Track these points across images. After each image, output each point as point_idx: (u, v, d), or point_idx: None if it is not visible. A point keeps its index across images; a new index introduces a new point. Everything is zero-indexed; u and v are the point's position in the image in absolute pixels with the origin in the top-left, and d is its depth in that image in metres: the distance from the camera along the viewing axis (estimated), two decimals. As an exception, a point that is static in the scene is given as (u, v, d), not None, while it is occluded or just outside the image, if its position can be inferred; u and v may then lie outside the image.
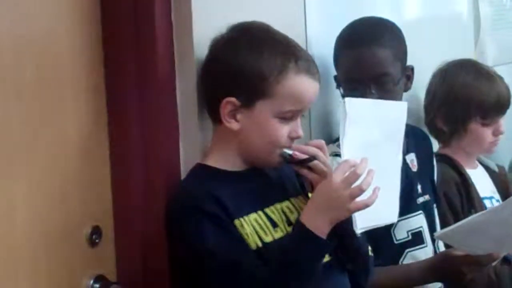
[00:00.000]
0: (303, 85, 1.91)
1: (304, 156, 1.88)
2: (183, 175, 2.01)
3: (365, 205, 1.75)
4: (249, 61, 1.89)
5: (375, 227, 1.94)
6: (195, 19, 2.00)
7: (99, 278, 1.95)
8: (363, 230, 1.90)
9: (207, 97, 1.97)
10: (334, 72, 2.41)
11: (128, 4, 1.97)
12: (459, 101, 2.77)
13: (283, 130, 1.90)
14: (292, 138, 1.91)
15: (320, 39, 2.44)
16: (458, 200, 2.68)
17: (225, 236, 1.84)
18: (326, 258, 1.94)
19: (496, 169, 2.96)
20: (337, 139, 2.38)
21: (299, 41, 2.32)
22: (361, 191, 1.74)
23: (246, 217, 1.88)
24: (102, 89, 1.98)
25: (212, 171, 1.94)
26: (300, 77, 1.90)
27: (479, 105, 2.75)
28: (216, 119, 1.94)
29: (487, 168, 2.92)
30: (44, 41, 1.86)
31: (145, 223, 1.99)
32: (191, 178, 1.96)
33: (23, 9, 1.80)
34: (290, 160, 1.90)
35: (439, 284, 2.44)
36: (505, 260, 2.66)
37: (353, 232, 1.92)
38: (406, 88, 2.44)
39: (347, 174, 1.77)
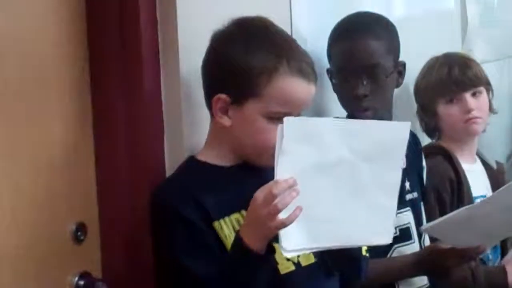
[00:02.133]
0: (293, 87, 1.88)
1: None
2: (168, 173, 2.02)
3: (283, 224, 1.69)
4: (241, 59, 1.87)
5: (343, 246, 1.85)
6: (180, 15, 2.00)
7: (84, 275, 1.94)
8: (292, 253, 1.80)
9: (204, 89, 1.96)
10: (322, 66, 2.42)
11: (113, 3, 1.97)
12: (423, 87, 2.84)
13: (272, 132, 1.81)
14: None
15: (305, 34, 2.45)
16: (448, 197, 2.69)
17: (192, 245, 1.84)
18: (310, 261, 1.93)
19: (494, 165, 2.96)
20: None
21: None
22: (277, 210, 1.67)
23: (227, 218, 1.87)
24: (87, 88, 1.98)
25: (201, 166, 1.94)
26: (291, 78, 1.88)
27: (434, 84, 2.79)
28: (211, 112, 1.94)
29: (485, 164, 2.92)
30: (29, 40, 1.85)
31: (130, 220, 1.99)
32: (178, 173, 1.96)
33: (7, 8, 1.80)
34: None
35: (425, 281, 2.44)
36: (481, 261, 2.68)
37: None
38: (398, 84, 2.46)
39: (266, 192, 1.70)
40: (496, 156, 3.11)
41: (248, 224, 1.75)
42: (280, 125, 1.70)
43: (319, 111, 2.51)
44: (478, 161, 2.90)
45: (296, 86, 1.88)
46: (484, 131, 2.89)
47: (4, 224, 1.79)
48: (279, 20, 2.18)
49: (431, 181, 2.65)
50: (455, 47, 3.23)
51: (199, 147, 2.02)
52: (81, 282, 1.93)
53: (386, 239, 1.88)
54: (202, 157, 1.96)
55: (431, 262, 2.32)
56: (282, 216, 1.68)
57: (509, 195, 2.25)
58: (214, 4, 2.10)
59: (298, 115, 1.90)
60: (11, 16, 1.80)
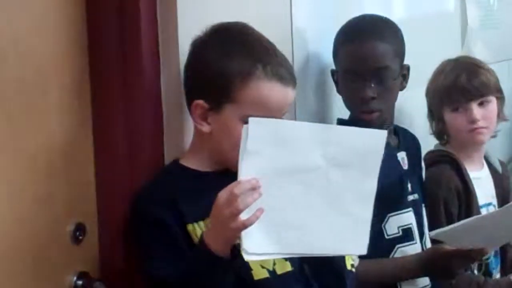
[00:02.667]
0: (268, 90, 1.86)
1: None
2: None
3: (243, 225, 1.67)
4: (217, 64, 1.87)
5: (311, 255, 1.83)
6: (180, 16, 2.00)
7: (82, 275, 1.94)
8: (252, 258, 1.75)
9: (185, 97, 1.96)
10: (321, 67, 2.42)
11: (113, 3, 1.97)
12: (431, 93, 2.81)
13: None
14: None
15: (306, 35, 2.45)
16: (456, 209, 2.67)
17: (164, 246, 1.84)
18: (286, 269, 1.92)
19: (499, 169, 2.94)
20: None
21: (285, 37, 2.34)
22: (237, 210, 1.66)
23: (201, 222, 1.86)
24: (86, 88, 1.98)
25: (182, 170, 1.95)
26: (266, 82, 1.86)
27: (440, 91, 2.77)
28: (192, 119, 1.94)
29: (491, 168, 2.89)
30: (28, 40, 1.85)
31: (129, 220, 1.97)
32: (158, 176, 1.96)
33: (6, 9, 1.79)
34: None
35: (428, 282, 2.44)
36: (488, 273, 2.68)
37: None
38: (402, 87, 2.47)
39: (228, 192, 1.69)
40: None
41: (212, 226, 1.73)
42: (245, 125, 1.67)
43: (321, 112, 2.51)
44: (486, 167, 2.88)
45: (271, 90, 1.86)
46: (494, 136, 2.88)
47: (2, 224, 1.79)
48: (280, 21, 2.19)
49: (439, 192, 2.65)
50: (455, 49, 3.23)
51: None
52: (80, 282, 1.93)
53: (360, 250, 1.83)
54: (184, 162, 1.96)
55: (435, 263, 2.32)
56: (243, 217, 1.66)
57: None
58: (214, 5, 2.10)
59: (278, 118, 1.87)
60: (11, 17, 1.80)
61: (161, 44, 2.01)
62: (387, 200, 2.35)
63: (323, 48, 2.50)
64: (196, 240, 1.84)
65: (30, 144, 1.85)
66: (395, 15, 2.90)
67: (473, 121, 2.72)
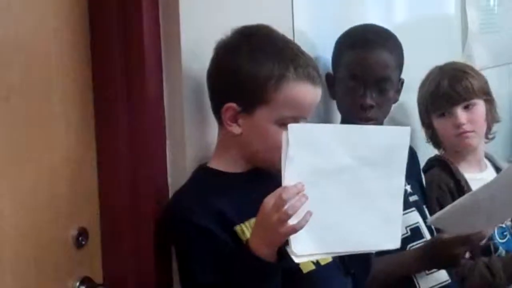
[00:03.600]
0: (301, 92, 1.91)
1: None
2: (169, 179, 2.02)
3: (293, 229, 1.70)
4: (248, 68, 1.89)
5: (353, 252, 1.89)
6: (183, 21, 2.00)
7: (85, 280, 1.95)
8: (302, 258, 1.80)
9: (211, 98, 1.98)
10: (323, 71, 2.43)
11: (116, 9, 1.97)
12: (418, 101, 2.83)
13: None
14: None
15: (307, 40, 2.45)
16: None
17: (211, 255, 1.84)
18: (327, 260, 1.95)
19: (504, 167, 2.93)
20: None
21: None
22: (287, 215, 1.69)
23: (247, 222, 1.88)
24: (90, 91, 1.99)
25: (214, 174, 1.96)
26: (298, 84, 1.90)
27: (425, 98, 2.78)
28: (220, 121, 1.96)
29: (498, 170, 2.88)
30: (31, 45, 1.85)
31: (132, 225, 1.99)
32: (191, 183, 1.97)
33: (9, 10, 1.80)
34: None
35: (446, 277, 2.45)
36: (495, 249, 2.68)
37: None
38: (395, 100, 2.50)
39: (276, 198, 1.72)
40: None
41: (257, 232, 1.76)
42: (284, 132, 1.73)
43: (323, 115, 2.52)
44: (489, 168, 2.88)
45: (304, 91, 1.91)
46: (493, 138, 2.88)
47: (5, 229, 1.79)
48: (282, 27, 2.19)
49: (433, 195, 2.67)
50: (455, 53, 3.24)
51: (201, 153, 2.03)
52: (82, 287, 1.93)
53: (394, 244, 1.90)
54: (213, 165, 1.98)
55: (437, 252, 2.32)
56: (291, 222, 1.70)
57: (510, 177, 2.28)
58: (217, 11, 2.11)
59: (307, 118, 1.94)
60: (14, 19, 1.81)
61: (163, 49, 2.01)
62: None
63: (325, 52, 2.50)
64: (244, 240, 1.85)
65: (33, 150, 1.85)
66: (396, 19, 2.92)
67: (458, 125, 2.73)
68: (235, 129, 1.92)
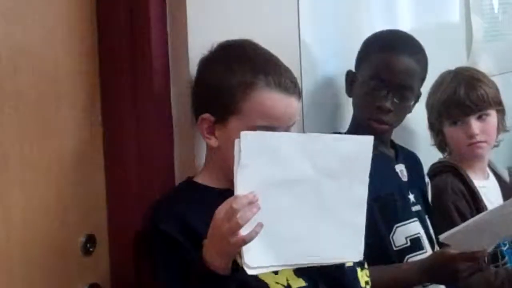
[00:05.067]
0: (272, 100, 1.87)
1: None
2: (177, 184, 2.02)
3: (243, 240, 1.66)
4: (219, 77, 1.89)
5: (312, 264, 1.84)
6: (190, 26, 2.01)
7: (93, 287, 1.96)
8: (254, 271, 1.74)
9: (193, 113, 1.98)
10: (328, 79, 2.44)
11: (124, 15, 1.99)
12: (430, 106, 2.80)
13: None
14: None
15: (313, 48, 2.46)
16: (468, 212, 2.66)
17: (176, 264, 1.83)
18: (301, 284, 1.92)
19: (507, 178, 2.93)
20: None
21: (293, 49, 2.35)
22: (238, 225, 1.64)
23: None
24: (97, 99, 2.00)
25: (195, 187, 1.95)
26: (269, 93, 1.87)
27: (438, 105, 2.76)
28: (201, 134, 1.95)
29: (498, 177, 2.88)
30: (40, 54, 1.87)
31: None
32: (170, 193, 1.96)
33: (19, 19, 1.81)
34: None
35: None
36: (502, 256, 2.68)
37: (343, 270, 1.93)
38: (409, 110, 2.50)
39: (227, 207, 1.68)
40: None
41: (210, 242, 1.72)
42: (236, 140, 1.67)
43: (329, 123, 2.52)
44: (491, 176, 2.87)
45: (274, 100, 1.88)
46: (496, 146, 2.87)
47: (14, 236, 1.80)
48: (288, 38, 2.21)
49: (447, 198, 2.65)
50: (460, 61, 3.24)
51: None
52: (90, 294, 1.94)
53: (356, 256, 1.85)
54: (198, 179, 1.97)
55: (441, 267, 2.31)
56: (243, 232, 1.66)
57: None
58: (223, 16, 2.11)
59: (287, 129, 1.89)
60: (23, 27, 1.82)
61: (171, 53, 2.03)
62: (392, 210, 2.37)
63: (330, 60, 2.51)
64: None
65: (41, 156, 1.86)
66: (401, 27, 2.91)
67: (471, 135, 2.71)
68: (213, 142, 1.90)
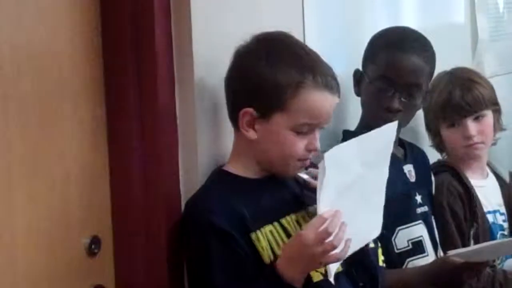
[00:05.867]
0: (319, 100, 1.91)
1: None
2: (182, 187, 2.02)
3: (337, 259, 1.77)
4: (267, 74, 1.90)
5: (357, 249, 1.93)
6: (195, 29, 2.01)
7: (97, 288, 1.95)
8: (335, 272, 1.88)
9: (228, 103, 1.98)
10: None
11: (128, 18, 1.98)
12: (426, 109, 2.78)
13: (299, 143, 1.91)
14: (309, 150, 1.92)
15: (318, 50, 2.44)
16: (461, 212, 2.68)
17: (229, 259, 1.85)
18: (337, 270, 1.94)
19: (507, 178, 2.94)
20: (343, 139, 2.42)
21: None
22: (333, 247, 1.74)
23: (262, 229, 1.89)
24: (102, 102, 1.99)
25: (231, 178, 1.96)
26: (316, 92, 1.90)
27: (435, 107, 2.75)
28: (236, 125, 1.96)
29: (498, 177, 2.89)
30: (44, 56, 1.86)
31: (144, 233, 1.99)
32: (211, 184, 1.97)
33: (22, 21, 1.81)
34: (303, 185, 1.93)
35: None
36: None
37: (367, 251, 1.99)
38: (419, 107, 2.50)
39: (320, 230, 1.75)
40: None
41: (292, 261, 1.78)
42: (321, 162, 1.75)
43: (333, 121, 2.51)
44: (491, 175, 2.87)
45: (322, 99, 1.91)
46: (494, 144, 2.87)
47: (19, 237, 1.80)
48: (292, 30, 2.19)
49: (443, 198, 2.66)
50: (465, 61, 3.23)
51: (213, 160, 2.03)
52: (95, 295, 1.94)
53: (377, 232, 1.98)
54: (230, 169, 1.98)
55: (444, 274, 2.31)
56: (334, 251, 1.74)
57: None
58: (228, 19, 2.11)
59: (322, 127, 1.95)
60: (26, 29, 1.82)
61: (175, 57, 2.02)
62: (395, 213, 2.35)
63: (335, 59, 2.50)
64: (259, 248, 1.87)
65: (45, 157, 1.86)
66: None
67: (468, 137, 2.72)
68: (251, 134, 1.92)
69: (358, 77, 2.46)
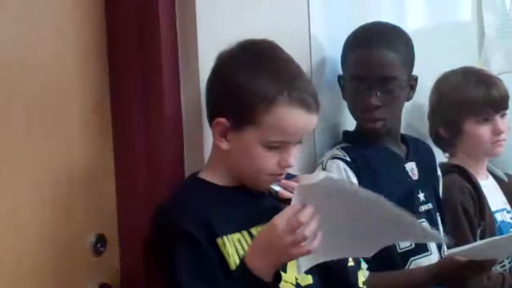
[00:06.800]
0: (292, 118, 1.86)
1: (290, 196, 1.80)
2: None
3: (308, 251, 1.71)
4: (243, 86, 1.86)
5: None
6: (200, 30, 2.01)
7: (103, 287, 1.96)
8: (305, 269, 1.85)
9: (206, 109, 1.96)
10: (337, 74, 2.44)
11: (133, 17, 1.99)
12: (450, 103, 2.78)
13: (271, 159, 1.86)
14: (282, 167, 1.88)
15: (323, 43, 2.45)
16: (472, 210, 2.68)
17: (195, 261, 1.82)
18: (308, 282, 1.93)
19: (505, 178, 2.95)
20: (338, 143, 2.42)
21: (303, 49, 2.35)
22: (304, 238, 1.69)
23: (229, 236, 1.86)
24: (107, 100, 2.00)
25: (204, 184, 1.93)
26: (290, 109, 1.85)
27: (467, 102, 2.75)
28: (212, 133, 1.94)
29: (496, 178, 2.91)
30: (50, 53, 1.87)
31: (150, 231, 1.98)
32: (181, 190, 1.95)
33: (28, 22, 1.82)
34: (275, 197, 1.88)
35: None
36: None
37: (347, 271, 1.97)
38: (409, 98, 2.46)
39: (291, 219, 1.71)
40: (508, 169, 3.09)
41: (262, 252, 1.74)
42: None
43: (337, 118, 2.52)
44: (490, 177, 2.89)
45: (295, 117, 1.86)
46: None
47: (24, 236, 1.81)
48: (298, 33, 2.20)
49: (454, 197, 2.65)
50: (472, 59, 3.23)
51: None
52: (101, 294, 1.95)
53: (366, 255, 1.95)
54: (204, 176, 1.95)
55: (449, 273, 2.30)
56: (305, 243, 1.70)
57: None
58: (234, 19, 2.11)
59: (298, 142, 1.90)
60: (32, 30, 1.82)
61: (181, 58, 2.02)
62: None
63: (340, 56, 2.50)
64: (225, 254, 1.84)
65: (51, 155, 1.87)
66: (412, 25, 2.91)
67: (499, 132, 2.75)
68: (224, 145, 1.89)
69: (340, 82, 2.45)
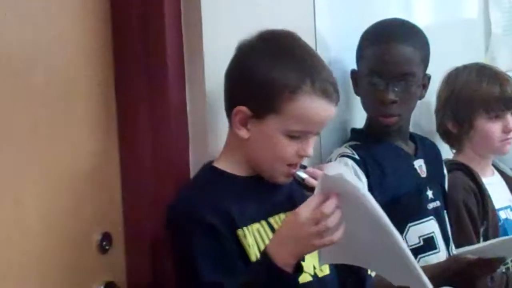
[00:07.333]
0: (315, 107, 1.86)
1: (315, 184, 1.78)
2: (192, 182, 2.01)
3: (331, 241, 1.70)
4: (265, 75, 1.86)
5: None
6: (205, 25, 2.01)
7: (109, 285, 1.96)
8: (326, 263, 1.88)
9: (225, 99, 1.95)
10: (343, 72, 2.44)
11: (138, 14, 1.98)
12: (461, 98, 2.78)
13: (291, 148, 1.86)
14: (300, 156, 1.88)
15: (329, 46, 2.45)
16: (476, 210, 2.68)
17: (217, 252, 1.82)
18: (325, 272, 1.94)
19: (511, 174, 2.95)
20: (346, 141, 2.42)
21: (308, 43, 2.34)
22: (327, 229, 1.68)
23: (249, 227, 1.86)
24: (112, 95, 2.00)
25: (220, 174, 1.93)
26: (313, 99, 1.85)
27: (481, 99, 2.75)
28: (230, 122, 1.93)
29: (502, 174, 2.90)
30: (55, 50, 1.87)
31: (155, 230, 1.98)
32: (199, 180, 1.95)
33: (31, 16, 1.82)
34: (302, 184, 1.88)
35: None
36: None
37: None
38: (420, 96, 2.46)
39: (315, 211, 1.70)
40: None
41: (284, 242, 1.73)
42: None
43: (343, 116, 2.51)
44: (496, 173, 2.89)
45: (317, 107, 1.86)
46: None
47: (30, 234, 1.81)
48: (304, 28, 2.19)
49: (458, 196, 2.65)
50: (478, 56, 3.22)
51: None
52: (106, 292, 1.94)
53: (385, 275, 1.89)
54: (219, 165, 1.95)
55: (458, 271, 2.30)
56: (328, 234, 1.70)
57: None
58: (239, 15, 2.11)
59: (317, 133, 1.91)
60: (36, 24, 1.82)
61: (186, 53, 2.02)
62: (406, 210, 2.35)
63: (346, 54, 2.49)
64: (245, 245, 1.84)
65: (56, 153, 1.87)
66: (419, 22, 2.90)
67: (509, 130, 2.76)
68: (243, 133, 1.88)
69: (354, 76, 2.45)
